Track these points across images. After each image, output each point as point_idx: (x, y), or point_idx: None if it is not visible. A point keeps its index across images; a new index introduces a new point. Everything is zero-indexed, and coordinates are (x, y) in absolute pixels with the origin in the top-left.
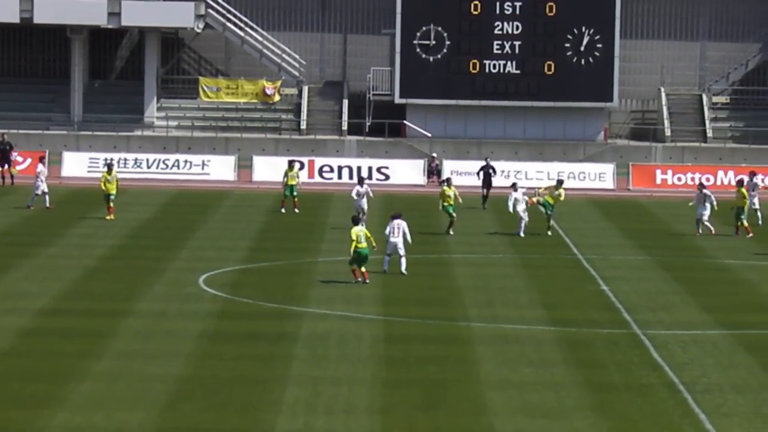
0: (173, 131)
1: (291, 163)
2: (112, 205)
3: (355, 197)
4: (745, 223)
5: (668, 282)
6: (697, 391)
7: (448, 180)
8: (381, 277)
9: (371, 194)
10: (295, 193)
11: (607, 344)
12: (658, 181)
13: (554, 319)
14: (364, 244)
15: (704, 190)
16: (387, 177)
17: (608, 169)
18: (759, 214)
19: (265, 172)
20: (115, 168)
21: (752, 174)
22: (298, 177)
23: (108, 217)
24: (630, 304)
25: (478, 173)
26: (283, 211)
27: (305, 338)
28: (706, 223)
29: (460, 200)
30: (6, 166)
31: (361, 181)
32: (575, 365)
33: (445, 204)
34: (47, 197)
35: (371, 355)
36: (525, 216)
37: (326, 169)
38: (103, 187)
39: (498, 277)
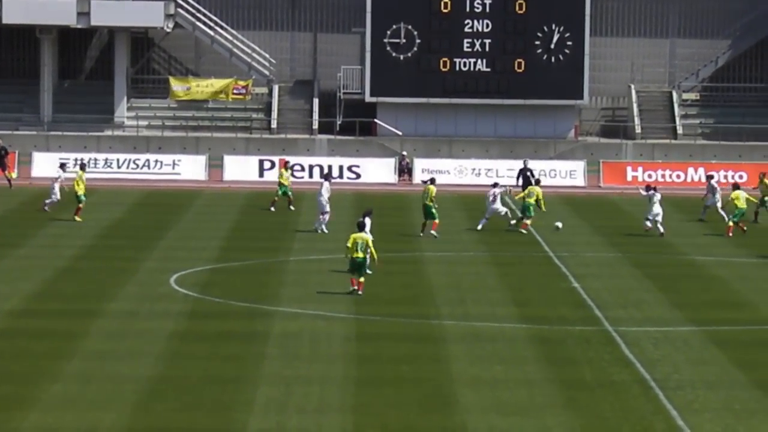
0: (143, 131)
1: (287, 165)
2: (81, 205)
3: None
4: (730, 223)
5: (639, 279)
6: (668, 388)
7: (432, 179)
8: None
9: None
10: (288, 192)
11: (578, 341)
12: (629, 178)
13: (526, 316)
14: (360, 254)
15: (651, 191)
16: (358, 176)
17: (579, 166)
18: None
19: (236, 172)
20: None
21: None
22: (290, 178)
23: (77, 218)
24: (601, 301)
25: (517, 177)
26: (272, 209)
27: (277, 337)
28: (659, 225)
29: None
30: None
31: (327, 177)
32: (547, 362)
33: (428, 203)
34: (48, 202)
35: (343, 354)
36: (501, 210)
37: (297, 168)
38: (76, 188)
39: (469, 275)
